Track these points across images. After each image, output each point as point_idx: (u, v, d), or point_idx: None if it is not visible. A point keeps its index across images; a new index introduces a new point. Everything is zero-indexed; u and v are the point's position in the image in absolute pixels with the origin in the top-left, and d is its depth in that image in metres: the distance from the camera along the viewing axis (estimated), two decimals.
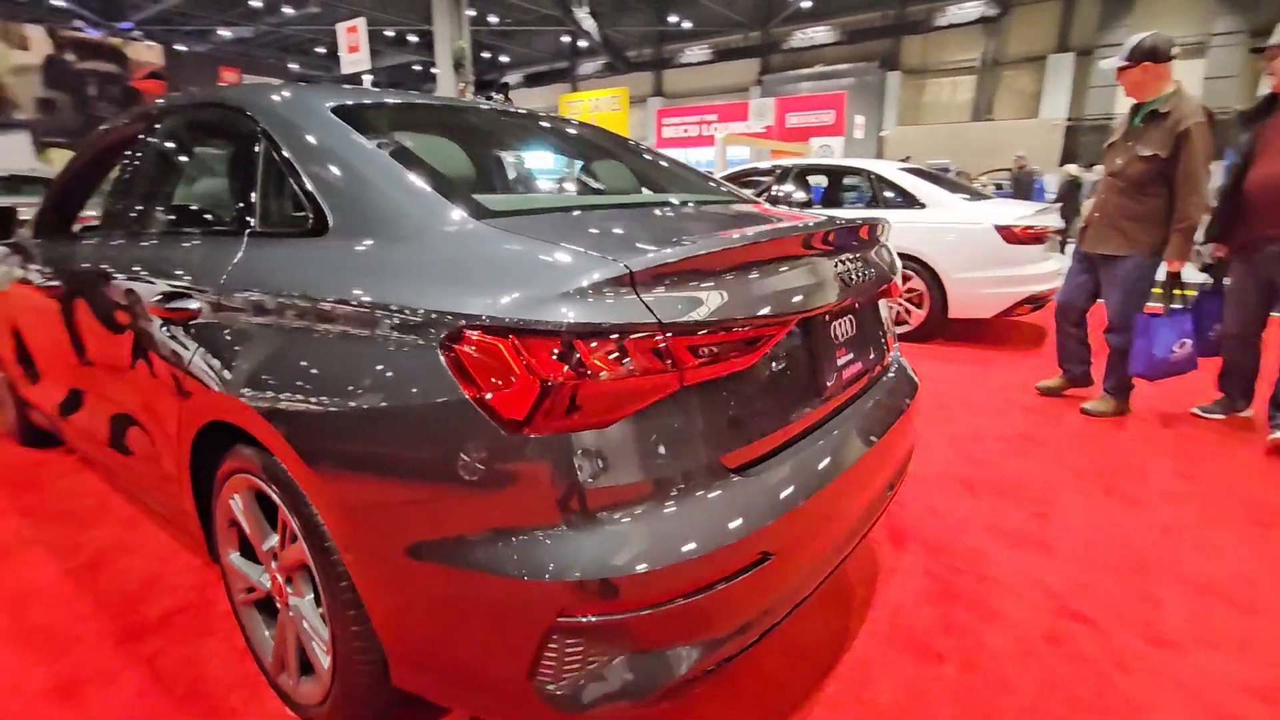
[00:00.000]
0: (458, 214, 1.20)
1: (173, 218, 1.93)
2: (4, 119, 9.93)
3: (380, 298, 1.11)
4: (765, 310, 1.15)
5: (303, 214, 1.35)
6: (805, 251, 1.34)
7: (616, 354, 0.97)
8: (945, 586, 1.94)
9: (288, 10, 23.36)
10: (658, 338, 0.99)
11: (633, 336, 0.97)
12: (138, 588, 1.91)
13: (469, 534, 1.01)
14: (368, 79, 21.00)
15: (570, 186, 2.27)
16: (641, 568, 0.97)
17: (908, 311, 4.99)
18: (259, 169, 1.50)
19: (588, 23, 23.53)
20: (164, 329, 1.54)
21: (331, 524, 1.16)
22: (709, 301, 1.07)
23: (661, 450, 1.03)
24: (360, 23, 12.89)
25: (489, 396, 0.97)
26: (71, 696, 1.51)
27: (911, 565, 2.05)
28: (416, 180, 1.28)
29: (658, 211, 1.63)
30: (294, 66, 28.99)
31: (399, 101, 1.78)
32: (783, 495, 1.15)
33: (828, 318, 1.38)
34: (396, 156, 1.38)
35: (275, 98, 1.58)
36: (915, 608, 1.84)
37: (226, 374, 1.32)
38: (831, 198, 6.04)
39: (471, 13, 23.34)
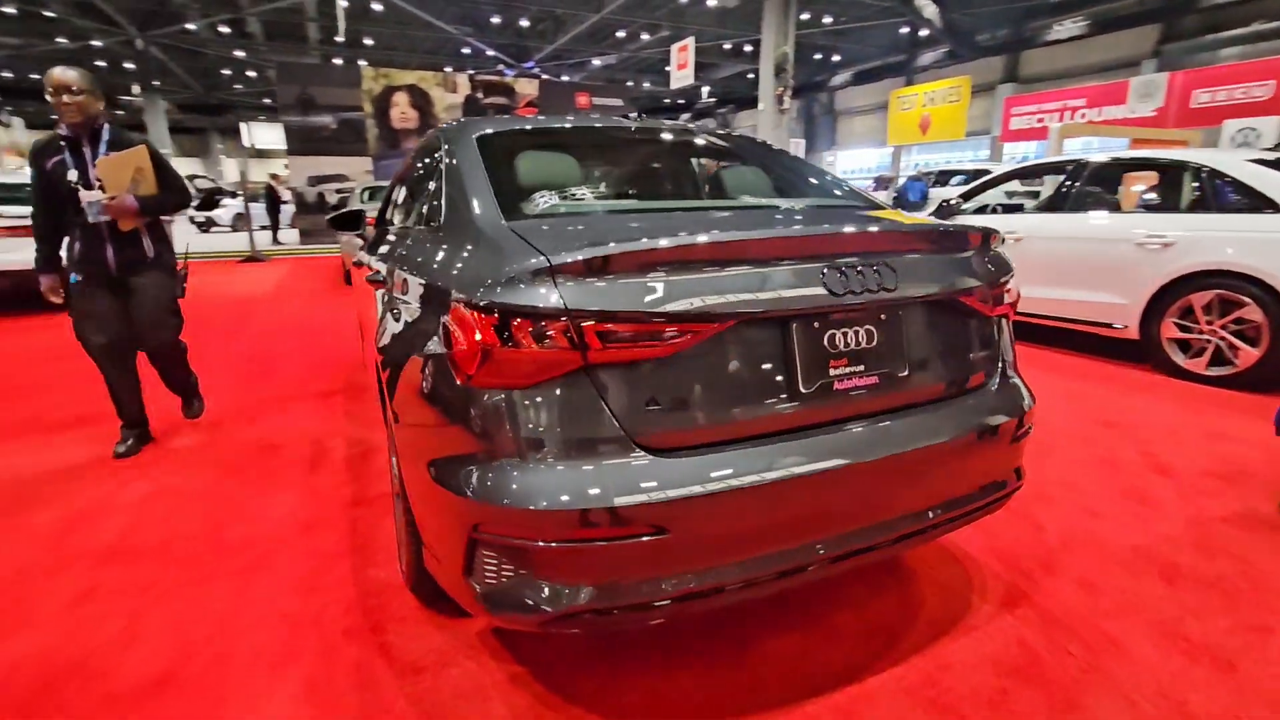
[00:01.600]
0: (495, 216, 1.56)
1: (417, 215, 2.69)
2: None
3: (428, 274, 1.53)
4: (689, 307, 1.23)
5: (438, 212, 1.85)
6: (786, 254, 1.35)
7: (534, 331, 1.20)
8: (1030, 665, 1.64)
9: (645, 36, 26.67)
10: (564, 320, 1.19)
11: (545, 318, 1.20)
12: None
13: (445, 456, 1.37)
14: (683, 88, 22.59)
15: (640, 192, 2.37)
16: (532, 505, 1.20)
17: (1233, 349, 3.79)
18: (440, 180, 2.02)
19: (929, 10, 21.76)
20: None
21: (396, 438, 1.64)
22: (622, 294, 1.21)
23: (569, 416, 1.22)
24: (689, 42, 14.21)
25: (456, 354, 1.30)
26: (310, 530, 2.33)
27: (1005, 626, 1.77)
28: (483, 189, 1.67)
29: (695, 215, 1.76)
30: (647, 85, 33.01)
31: (525, 128, 2.19)
32: (695, 482, 1.23)
33: (816, 324, 1.36)
34: (497, 171, 1.79)
35: (454, 130, 2.12)
36: (969, 673, 1.62)
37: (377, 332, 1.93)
38: (1168, 198, 4.80)
39: (805, 15, 23.65)
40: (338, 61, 25.59)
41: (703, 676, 1.61)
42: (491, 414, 1.24)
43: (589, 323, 1.20)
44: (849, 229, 1.48)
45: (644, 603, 1.27)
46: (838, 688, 1.57)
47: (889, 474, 1.42)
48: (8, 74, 29.65)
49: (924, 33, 24.93)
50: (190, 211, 21.04)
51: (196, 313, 6.64)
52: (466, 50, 27.51)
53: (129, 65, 26.16)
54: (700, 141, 2.45)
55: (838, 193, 2.14)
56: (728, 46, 28.35)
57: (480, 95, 14.16)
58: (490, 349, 1.22)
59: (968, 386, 1.60)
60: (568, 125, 2.37)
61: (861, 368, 1.41)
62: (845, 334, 1.39)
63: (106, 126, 2.83)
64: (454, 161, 1.90)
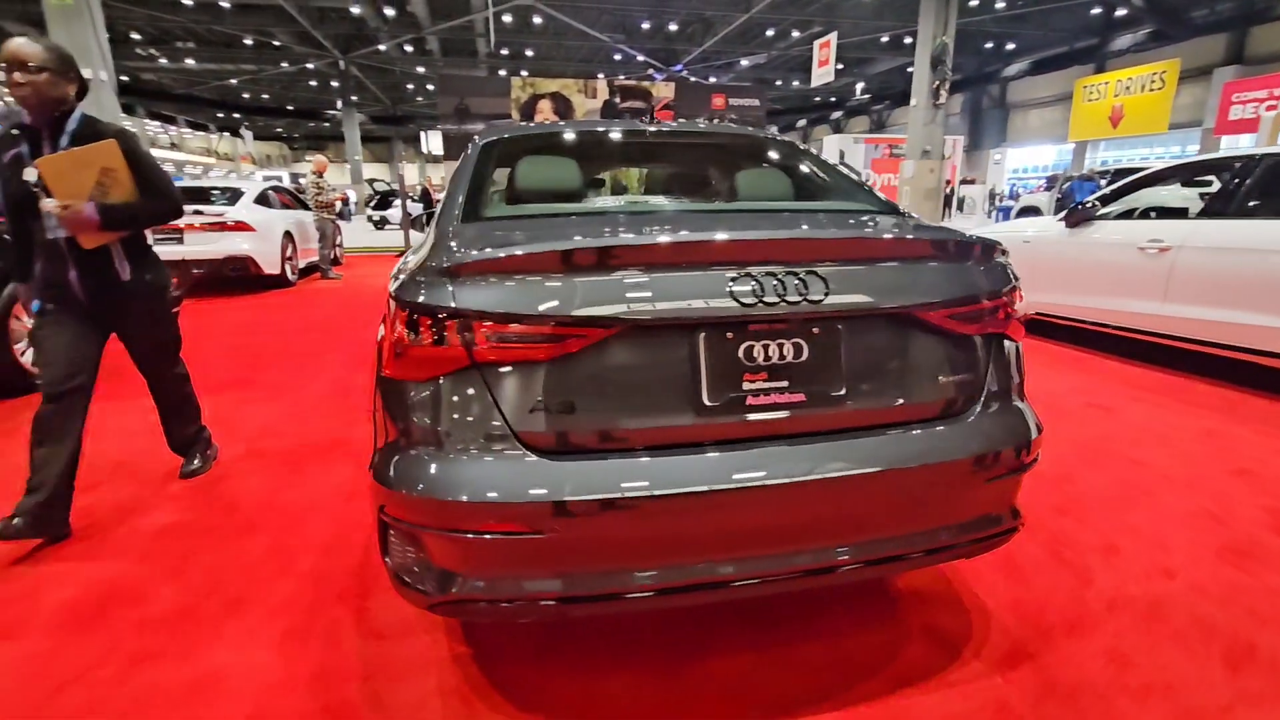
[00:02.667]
0: (454, 217, 1.65)
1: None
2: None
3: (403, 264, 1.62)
4: (575, 311, 1.22)
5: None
6: (692, 260, 1.28)
7: (432, 327, 1.26)
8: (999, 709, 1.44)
9: (795, 34, 25.98)
10: (453, 320, 1.24)
11: (440, 316, 1.26)
12: None
13: (376, 443, 1.46)
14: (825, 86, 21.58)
15: (617, 193, 2.32)
16: (418, 493, 1.26)
17: None
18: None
19: None
20: None
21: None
22: (510, 295, 1.23)
23: (458, 411, 1.27)
24: (832, 37, 13.65)
25: (381, 345, 1.41)
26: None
27: (988, 688, 1.56)
28: (459, 192, 1.76)
29: (636, 218, 1.65)
30: (796, 84, 32.12)
31: (529, 133, 2.24)
32: (576, 488, 1.22)
33: (729, 334, 1.29)
34: (484, 175, 1.89)
35: (476, 136, 2.24)
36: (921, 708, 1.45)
37: None
38: None
39: (974, 2, 21.71)
40: (502, 73, 27.62)
41: (637, 684, 1.59)
42: (395, 403, 1.32)
43: (477, 322, 1.23)
44: (772, 234, 1.36)
45: (529, 599, 1.29)
46: (766, 719, 1.48)
47: (816, 500, 1.30)
48: (246, 95, 35.33)
49: (1121, 12, 21.91)
50: (369, 210, 23.90)
51: (350, 301, 7.58)
52: (618, 56, 28.50)
53: (334, 84, 30.10)
54: (713, 142, 2.38)
55: (846, 197, 1.99)
56: (885, 40, 26.83)
57: (617, 99, 14.61)
58: (399, 342, 1.30)
59: (934, 413, 1.43)
60: (569, 129, 2.37)
61: (785, 384, 1.31)
62: (767, 347, 1.29)
63: (77, 115, 2.27)
64: (457, 166, 2.02)
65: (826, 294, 1.30)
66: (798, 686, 1.57)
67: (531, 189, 1.86)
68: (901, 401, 1.39)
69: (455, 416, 1.27)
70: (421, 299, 1.27)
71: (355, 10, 22.60)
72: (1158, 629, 1.76)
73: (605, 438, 1.27)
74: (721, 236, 1.33)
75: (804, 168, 2.17)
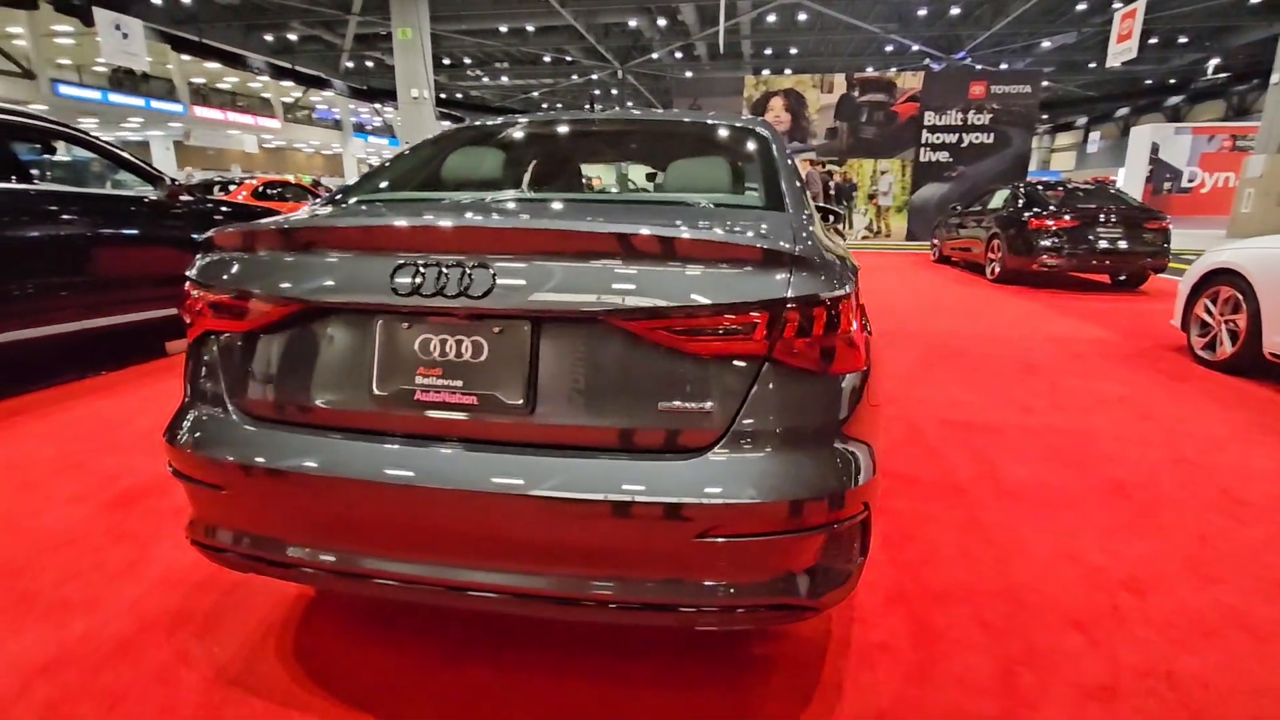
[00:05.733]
0: (337, 199, 1.84)
1: None
2: (803, 145, 14.15)
3: None
4: (255, 288, 1.28)
5: None
6: (375, 245, 1.25)
7: (190, 294, 1.40)
8: None
9: (1116, 4, 21.69)
10: (192, 288, 1.38)
11: (186, 287, 1.41)
12: None
13: None
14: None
15: (504, 183, 2.04)
16: (167, 438, 1.38)
17: None
18: None
19: None
20: None
21: None
22: (214, 268, 1.35)
23: (197, 372, 1.40)
24: (1139, 5, 11.12)
25: None
26: None
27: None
28: (364, 176, 1.98)
29: (454, 207, 1.60)
30: (1093, 65, 26.73)
31: (476, 124, 2.33)
32: (249, 451, 1.27)
33: (406, 324, 1.21)
34: (415, 164, 2.10)
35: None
36: None
37: None
38: None
39: None
40: (766, 73, 27.85)
41: (434, 684, 1.47)
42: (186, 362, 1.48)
43: (203, 291, 1.36)
44: (460, 223, 1.26)
45: (232, 551, 1.36)
46: None
47: (474, 513, 1.17)
48: (544, 105, 40.96)
49: None
50: None
51: None
52: (889, 48, 26.75)
53: (614, 91, 33.41)
54: (660, 132, 2.29)
55: (749, 190, 1.85)
56: (1257, 0, 20.98)
57: (856, 93, 13.88)
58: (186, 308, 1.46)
59: (650, 442, 1.17)
60: (504, 122, 2.33)
61: (459, 383, 1.20)
62: (445, 342, 1.21)
63: None
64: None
65: (500, 291, 1.16)
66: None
67: (432, 178, 1.98)
68: (603, 423, 1.17)
69: (197, 376, 1.40)
70: (187, 270, 1.43)
71: (633, 23, 24.81)
72: None
73: (292, 411, 1.30)
74: (402, 223, 1.27)
75: (742, 158, 2.05)
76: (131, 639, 1.62)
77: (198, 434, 1.33)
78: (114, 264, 4.01)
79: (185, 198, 4.35)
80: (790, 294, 1.14)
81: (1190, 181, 18.04)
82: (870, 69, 15.01)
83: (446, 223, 1.25)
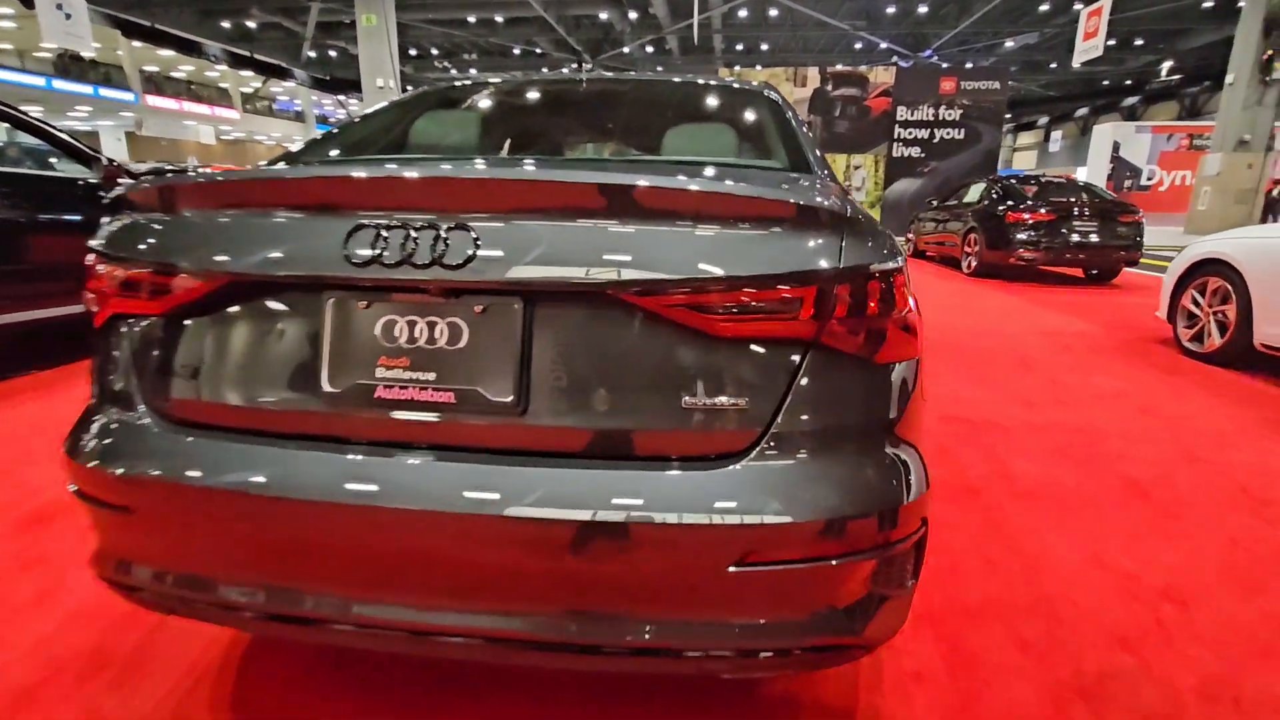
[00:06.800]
0: (275, 159, 1.61)
1: None
2: None
3: None
4: (172, 259, 1.02)
5: None
6: (323, 203, 0.99)
7: (101, 270, 1.12)
8: None
9: (1077, 6, 22.15)
10: (96, 260, 1.11)
11: (90, 259, 1.13)
12: None
13: None
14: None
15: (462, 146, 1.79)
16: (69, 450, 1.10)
17: None
18: None
19: None
20: None
21: None
22: (125, 235, 1.08)
23: (110, 369, 1.12)
24: (1105, 4, 11.28)
25: None
26: None
27: None
28: (316, 139, 1.73)
29: (435, 166, 1.36)
30: (1054, 65, 27.34)
31: (446, 86, 2.09)
32: (162, 469, 1.01)
33: (362, 303, 0.97)
34: (384, 125, 1.86)
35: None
36: None
37: None
38: None
39: None
40: (737, 68, 27.80)
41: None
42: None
43: (109, 267, 1.09)
44: (450, 173, 1.01)
45: (152, 591, 1.10)
46: None
47: (459, 540, 0.94)
48: None
49: None
50: None
51: None
52: (859, 45, 26.95)
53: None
54: (650, 96, 2.06)
55: (765, 154, 1.65)
56: (1210, 4, 21.64)
57: (829, 87, 13.82)
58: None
59: (673, 448, 0.94)
60: (482, 83, 2.10)
61: (431, 377, 0.95)
62: (414, 325, 0.96)
63: None
64: None
65: (484, 259, 0.92)
66: None
67: (397, 144, 1.76)
68: (613, 424, 0.94)
69: (102, 373, 1.13)
70: (91, 240, 1.12)
71: (604, 16, 24.50)
72: None
73: (222, 414, 1.04)
74: (360, 174, 1.02)
75: (755, 121, 1.85)
76: (34, 688, 1.35)
77: (105, 444, 1.06)
78: (41, 253, 3.63)
79: (126, 180, 3.98)
80: (843, 264, 0.93)
81: (1150, 179, 18.50)
82: (840, 65, 15.04)
83: (414, 174, 0.99)
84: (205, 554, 1.05)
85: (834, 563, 0.91)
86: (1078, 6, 22.19)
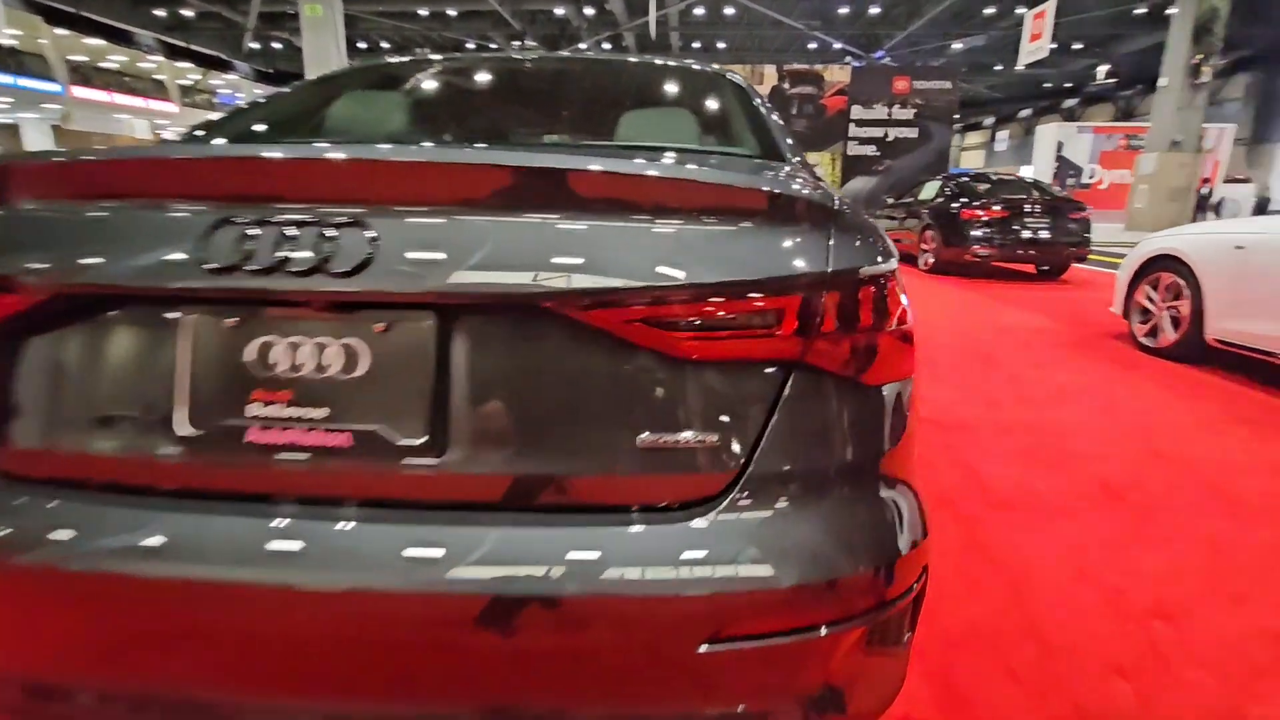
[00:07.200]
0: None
1: None
2: None
3: None
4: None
5: None
6: (177, 194, 0.77)
7: None
8: None
9: (1020, 10, 22.84)
10: None
11: None
12: None
13: None
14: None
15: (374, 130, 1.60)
16: None
17: None
18: None
19: None
20: None
21: None
22: None
23: None
24: (1049, 7, 11.60)
25: None
26: None
27: None
28: (208, 124, 1.49)
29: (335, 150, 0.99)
30: (999, 67, 28.22)
31: (374, 64, 1.91)
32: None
33: (230, 322, 0.76)
34: (281, 108, 1.63)
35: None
36: None
37: None
38: None
39: None
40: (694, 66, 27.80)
41: None
42: None
43: None
44: (339, 156, 0.75)
45: None
46: None
47: (368, 625, 0.74)
48: None
49: None
50: None
51: None
52: (813, 45, 27.27)
53: None
54: (602, 81, 1.86)
55: (734, 141, 1.49)
56: (1142, 11, 22.59)
57: (786, 85, 13.88)
58: None
59: (629, 496, 0.77)
60: (417, 62, 1.88)
61: (320, 414, 0.75)
62: (296, 348, 0.75)
63: None
64: None
65: (386, 264, 0.71)
66: None
67: (312, 132, 1.54)
68: (553, 469, 0.75)
69: None
70: None
71: (560, 11, 24.18)
72: None
73: (45, 462, 0.81)
74: (221, 155, 0.84)
75: (720, 107, 1.68)
76: None
77: None
78: None
79: None
80: (831, 267, 0.76)
81: (1091, 178, 19.15)
82: (797, 64, 15.21)
83: (294, 155, 0.78)
84: (23, 643, 0.80)
85: (825, 632, 0.75)
86: (1020, 10, 22.91)
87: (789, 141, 1.36)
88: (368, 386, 0.75)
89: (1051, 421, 2.97)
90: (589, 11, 24.44)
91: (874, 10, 23.91)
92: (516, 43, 26.83)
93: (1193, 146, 14.16)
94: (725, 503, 0.75)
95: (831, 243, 0.77)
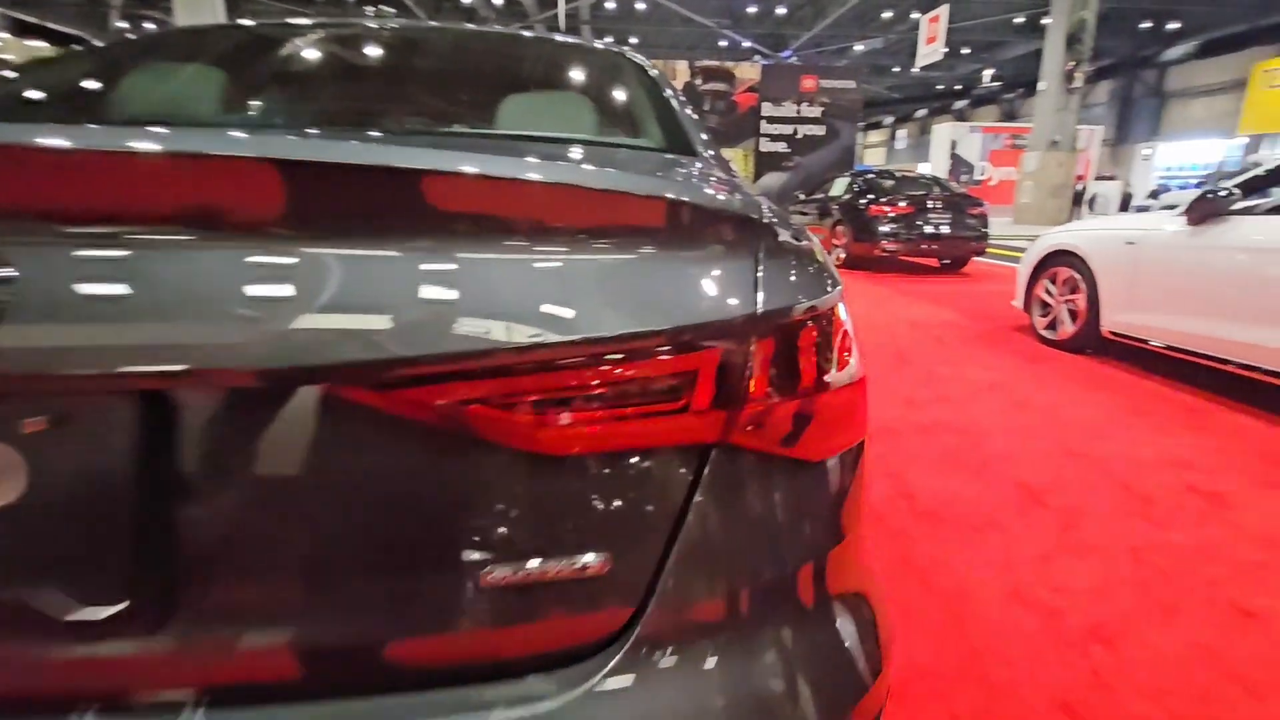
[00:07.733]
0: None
1: None
2: None
3: None
4: None
5: None
6: None
7: None
8: None
9: (915, 15, 23.98)
10: None
11: None
12: None
13: None
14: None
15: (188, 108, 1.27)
16: None
17: None
18: None
19: None
20: None
21: None
22: None
23: None
24: (941, 11, 12.18)
25: None
26: None
27: None
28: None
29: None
30: (916, 71, 29.72)
31: (181, 29, 1.65)
32: None
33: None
34: (123, 66, 1.31)
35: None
36: None
37: None
38: None
39: None
40: None
41: None
42: None
43: None
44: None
45: None
46: None
47: None
48: None
49: None
50: None
51: None
52: (723, 43, 27.61)
53: None
54: (475, 59, 1.53)
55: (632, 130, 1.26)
56: (1021, 20, 24.25)
57: (698, 81, 13.89)
58: None
59: (483, 661, 0.53)
60: (239, 28, 1.62)
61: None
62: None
63: None
64: None
65: (39, 320, 0.43)
66: None
67: (85, 107, 1.20)
68: (345, 631, 0.50)
69: None
70: None
71: (466, 0, 23.32)
72: None
73: None
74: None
75: (618, 91, 1.45)
76: None
77: None
78: None
79: None
80: (762, 306, 0.53)
81: (982, 175, 20.36)
82: (708, 61, 15.37)
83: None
84: None
85: None
86: (915, 15, 24.07)
87: (702, 136, 1.14)
88: (20, 525, 0.45)
89: (968, 421, 2.95)
90: (497, 1, 23.70)
91: (780, 10, 24.48)
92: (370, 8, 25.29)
93: (1069, 146, 15.27)
94: (613, 662, 0.52)
95: (761, 271, 0.55)
